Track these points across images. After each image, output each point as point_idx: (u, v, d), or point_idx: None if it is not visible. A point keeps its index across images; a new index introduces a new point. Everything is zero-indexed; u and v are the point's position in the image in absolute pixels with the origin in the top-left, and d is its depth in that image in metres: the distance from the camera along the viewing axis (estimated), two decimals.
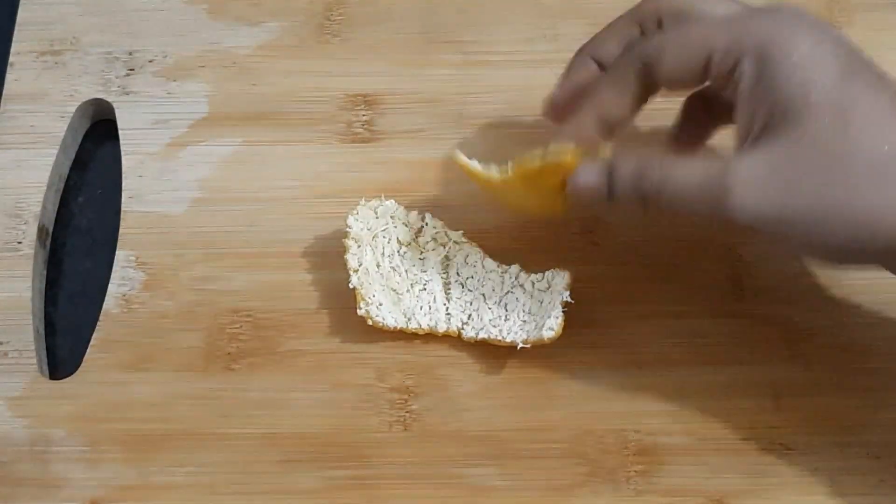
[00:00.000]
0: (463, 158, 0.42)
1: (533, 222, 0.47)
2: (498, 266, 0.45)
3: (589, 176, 0.38)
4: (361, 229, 0.45)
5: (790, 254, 0.44)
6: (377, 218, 0.45)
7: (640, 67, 0.38)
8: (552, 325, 0.42)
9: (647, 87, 0.39)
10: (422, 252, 0.45)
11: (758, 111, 0.36)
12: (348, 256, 0.44)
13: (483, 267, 0.45)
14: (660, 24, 0.40)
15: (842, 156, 0.34)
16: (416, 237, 0.46)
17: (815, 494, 0.42)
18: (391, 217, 0.45)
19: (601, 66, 0.42)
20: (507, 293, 0.45)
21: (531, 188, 0.41)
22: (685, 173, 0.36)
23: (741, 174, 0.35)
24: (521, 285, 0.45)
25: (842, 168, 0.34)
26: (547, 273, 0.44)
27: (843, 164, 0.34)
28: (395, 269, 0.45)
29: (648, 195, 0.37)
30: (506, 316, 0.44)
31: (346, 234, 0.45)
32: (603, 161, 0.39)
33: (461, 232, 0.46)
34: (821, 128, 0.34)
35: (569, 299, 0.43)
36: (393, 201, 0.46)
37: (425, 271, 0.45)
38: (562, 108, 0.42)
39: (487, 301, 0.44)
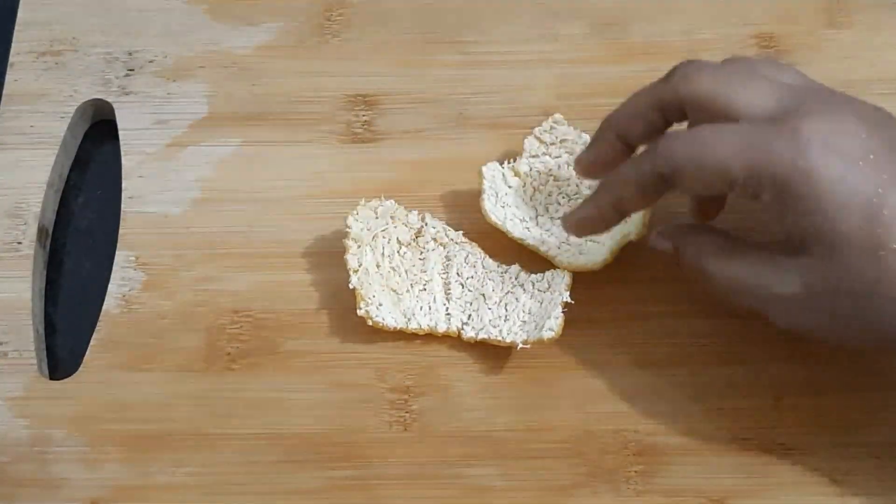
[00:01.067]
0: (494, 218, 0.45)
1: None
2: (498, 266, 0.45)
3: (661, 241, 0.42)
4: (361, 230, 0.45)
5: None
6: (377, 218, 0.45)
7: (657, 178, 0.38)
8: (552, 326, 0.42)
9: (666, 189, 0.39)
10: (422, 252, 0.45)
11: (790, 233, 0.37)
12: (348, 257, 0.44)
13: (483, 267, 0.45)
14: (683, 113, 0.40)
15: (872, 282, 0.35)
16: (416, 237, 0.46)
17: (815, 494, 0.42)
18: (391, 217, 0.45)
19: (627, 145, 0.42)
20: (507, 293, 0.45)
21: None
22: (740, 267, 0.39)
23: (795, 285, 0.37)
24: (522, 285, 0.45)
25: (872, 293, 0.36)
26: (547, 273, 0.44)
27: (873, 289, 0.35)
28: (395, 270, 0.45)
29: (707, 276, 0.40)
30: (506, 316, 0.44)
31: (346, 235, 0.45)
32: (669, 226, 0.42)
33: (461, 232, 0.46)
34: (852, 255, 0.35)
35: (569, 300, 0.43)
36: (393, 201, 0.46)
37: (425, 271, 0.45)
38: (590, 173, 0.43)
39: (487, 301, 0.44)
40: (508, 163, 0.47)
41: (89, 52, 0.52)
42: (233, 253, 0.47)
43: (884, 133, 0.37)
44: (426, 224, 0.46)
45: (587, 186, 0.46)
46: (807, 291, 0.37)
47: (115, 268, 0.47)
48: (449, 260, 0.45)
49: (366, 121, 0.50)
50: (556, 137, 0.47)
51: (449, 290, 0.45)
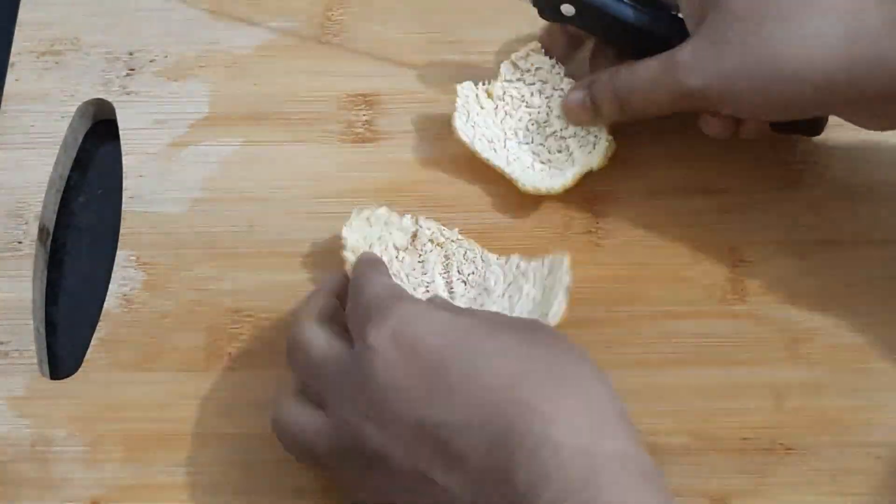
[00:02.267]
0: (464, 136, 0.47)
1: (535, 221, 0.47)
2: (497, 258, 0.45)
3: (575, 94, 0.46)
4: (357, 240, 0.44)
5: (749, 116, 0.45)
6: (371, 227, 0.45)
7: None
8: (556, 311, 0.42)
9: None
10: (420, 255, 0.45)
11: (693, 7, 0.43)
12: (348, 268, 0.44)
13: (483, 261, 0.45)
14: None
15: (756, 17, 0.41)
16: (413, 241, 0.45)
17: (815, 494, 0.42)
18: (385, 224, 0.45)
19: None
20: (509, 285, 0.44)
21: None
22: (646, 66, 0.44)
23: (685, 53, 0.42)
24: (523, 274, 0.44)
25: (756, 26, 0.41)
26: (546, 259, 0.44)
27: (756, 22, 0.41)
28: (395, 276, 0.44)
29: (622, 94, 0.44)
30: (511, 307, 0.44)
31: (341, 247, 0.44)
32: (582, 81, 0.47)
33: (457, 229, 0.46)
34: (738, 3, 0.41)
35: (570, 283, 0.42)
36: (385, 208, 0.45)
37: (426, 273, 0.45)
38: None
39: (491, 295, 0.44)
40: (483, 84, 0.48)
41: (90, 52, 0.52)
42: (233, 253, 0.47)
43: None
44: (420, 226, 0.45)
45: (557, 116, 0.48)
46: (707, 43, 0.42)
47: (115, 267, 0.47)
48: (448, 259, 0.45)
49: (366, 121, 0.50)
50: (532, 65, 0.49)
51: (452, 288, 0.45)
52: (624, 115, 0.45)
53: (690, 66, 0.42)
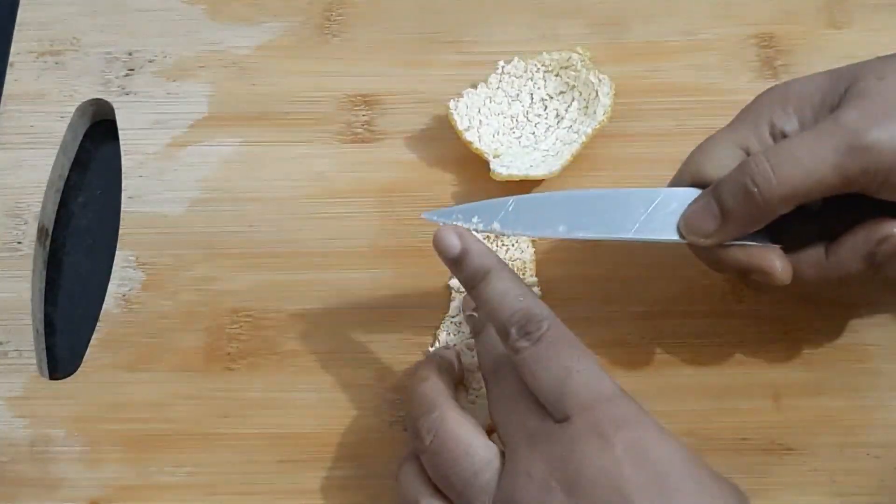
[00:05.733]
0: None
1: None
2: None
3: (694, 207, 0.40)
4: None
5: None
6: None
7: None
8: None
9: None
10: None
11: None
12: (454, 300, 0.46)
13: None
14: None
15: None
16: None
17: (815, 494, 0.42)
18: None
19: None
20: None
21: None
22: (801, 138, 0.37)
23: (850, 114, 0.37)
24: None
25: None
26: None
27: None
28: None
29: (762, 186, 0.37)
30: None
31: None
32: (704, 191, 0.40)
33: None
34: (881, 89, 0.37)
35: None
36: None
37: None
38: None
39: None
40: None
41: (89, 52, 0.52)
42: (233, 253, 0.47)
43: None
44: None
45: (536, 114, 0.49)
46: (869, 105, 0.37)
47: (115, 268, 0.47)
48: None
49: (366, 121, 0.50)
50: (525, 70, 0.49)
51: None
52: (758, 212, 0.38)
53: (860, 122, 0.37)
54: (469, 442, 0.36)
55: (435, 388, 0.38)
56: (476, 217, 0.40)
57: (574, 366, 0.35)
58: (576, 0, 0.53)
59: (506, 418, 0.36)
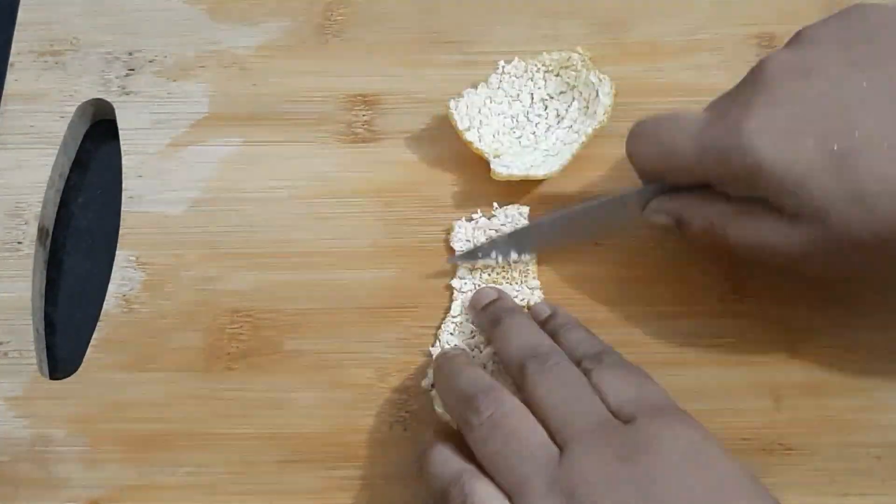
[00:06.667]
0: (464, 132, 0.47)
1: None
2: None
3: (659, 218, 0.43)
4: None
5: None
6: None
7: None
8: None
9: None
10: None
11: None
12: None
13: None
14: None
15: (867, 227, 0.37)
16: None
17: (816, 494, 0.42)
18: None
19: None
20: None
21: None
22: (753, 233, 0.40)
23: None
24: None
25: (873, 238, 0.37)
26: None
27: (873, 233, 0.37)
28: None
29: (724, 243, 0.41)
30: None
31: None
32: (670, 210, 0.42)
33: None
34: (839, 213, 0.37)
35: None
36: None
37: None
38: None
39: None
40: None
41: (89, 52, 0.52)
42: (233, 253, 0.47)
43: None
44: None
45: (537, 114, 0.49)
46: (815, 249, 0.38)
47: (115, 268, 0.47)
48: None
49: (366, 121, 0.50)
50: (526, 71, 0.49)
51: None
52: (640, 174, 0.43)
53: (808, 255, 0.39)
54: (528, 424, 0.36)
55: (481, 371, 0.40)
56: (494, 252, 0.46)
57: (643, 380, 0.38)
58: (576, 0, 0.53)
59: (564, 407, 0.37)
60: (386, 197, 0.48)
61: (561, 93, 0.49)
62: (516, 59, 0.49)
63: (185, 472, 0.43)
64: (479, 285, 0.45)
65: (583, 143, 0.47)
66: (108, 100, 0.51)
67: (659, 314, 0.45)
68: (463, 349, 0.43)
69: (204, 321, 0.46)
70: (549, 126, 0.48)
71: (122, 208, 0.48)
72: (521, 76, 0.49)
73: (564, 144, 0.47)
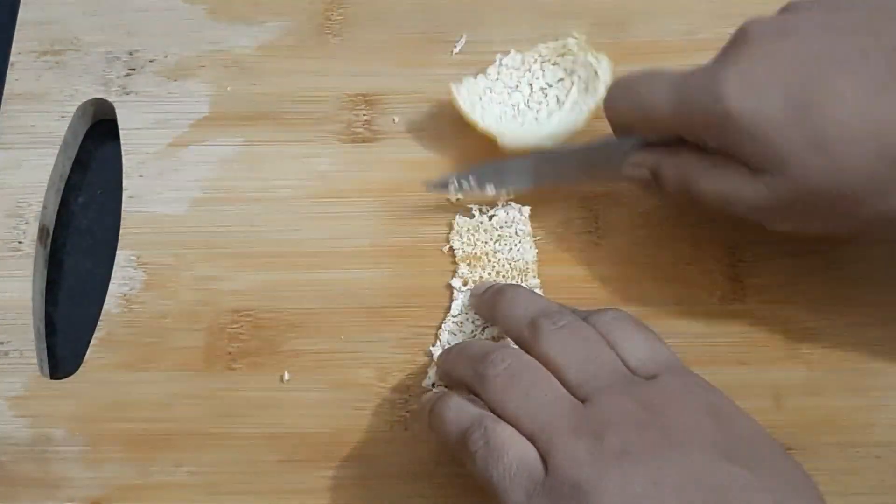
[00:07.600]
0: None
1: (534, 220, 0.47)
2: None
3: (637, 171, 0.44)
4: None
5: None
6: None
7: None
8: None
9: None
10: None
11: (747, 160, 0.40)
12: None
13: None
14: None
15: (832, 179, 0.38)
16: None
17: None
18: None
19: None
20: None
21: None
22: (723, 184, 0.40)
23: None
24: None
25: (836, 189, 0.38)
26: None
27: (836, 184, 0.38)
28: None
29: (693, 194, 0.41)
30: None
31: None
32: (647, 162, 0.43)
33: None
34: (803, 166, 0.38)
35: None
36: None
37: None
38: None
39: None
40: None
41: (90, 52, 0.52)
42: (233, 253, 0.47)
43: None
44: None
45: (540, 88, 0.49)
46: (779, 201, 0.39)
47: (115, 267, 0.47)
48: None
49: (366, 120, 0.50)
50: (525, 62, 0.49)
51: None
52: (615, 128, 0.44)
53: (776, 207, 0.39)
54: (546, 376, 0.37)
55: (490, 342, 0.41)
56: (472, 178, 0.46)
57: (658, 343, 0.39)
58: (576, 0, 0.53)
59: (585, 364, 0.37)
60: (386, 197, 0.48)
61: (559, 80, 0.49)
62: (512, 51, 0.49)
63: (185, 472, 0.43)
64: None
65: (586, 118, 0.47)
66: (109, 99, 0.51)
67: (659, 314, 0.45)
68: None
69: (204, 321, 0.46)
70: (552, 111, 0.48)
71: (123, 208, 0.49)
72: (519, 68, 0.49)
73: (568, 125, 0.47)
